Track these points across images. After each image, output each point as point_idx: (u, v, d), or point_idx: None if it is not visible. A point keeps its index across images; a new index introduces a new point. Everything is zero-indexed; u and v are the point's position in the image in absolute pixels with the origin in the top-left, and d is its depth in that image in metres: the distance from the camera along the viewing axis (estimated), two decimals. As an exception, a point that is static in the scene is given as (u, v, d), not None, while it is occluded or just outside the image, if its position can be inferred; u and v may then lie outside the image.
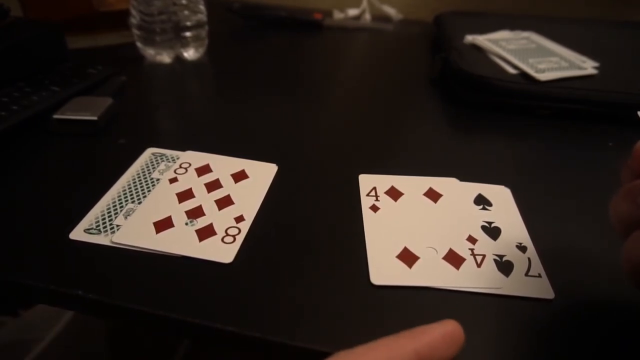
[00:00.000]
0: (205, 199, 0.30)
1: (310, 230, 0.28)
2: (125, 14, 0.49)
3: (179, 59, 0.51)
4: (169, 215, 0.28)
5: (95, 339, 0.67)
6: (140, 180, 0.31)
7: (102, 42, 0.54)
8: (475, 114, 0.43)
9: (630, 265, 0.19)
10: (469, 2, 0.67)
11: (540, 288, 0.24)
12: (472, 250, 0.27)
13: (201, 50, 0.52)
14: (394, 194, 0.31)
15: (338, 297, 0.24)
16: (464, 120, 0.42)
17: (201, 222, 0.28)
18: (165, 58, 0.50)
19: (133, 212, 0.28)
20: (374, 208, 0.30)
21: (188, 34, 0.50)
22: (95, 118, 0.36)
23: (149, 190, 0.30)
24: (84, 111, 0.37)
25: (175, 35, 0.50)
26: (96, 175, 0.32)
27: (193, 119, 0.41)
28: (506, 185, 0.32)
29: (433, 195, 0.31)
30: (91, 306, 0.24)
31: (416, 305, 0.24)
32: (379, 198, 0.31)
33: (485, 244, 0.27)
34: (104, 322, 0.68)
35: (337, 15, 0.69)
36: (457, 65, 0.44)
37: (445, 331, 0.20)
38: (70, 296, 0.23)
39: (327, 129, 0.40)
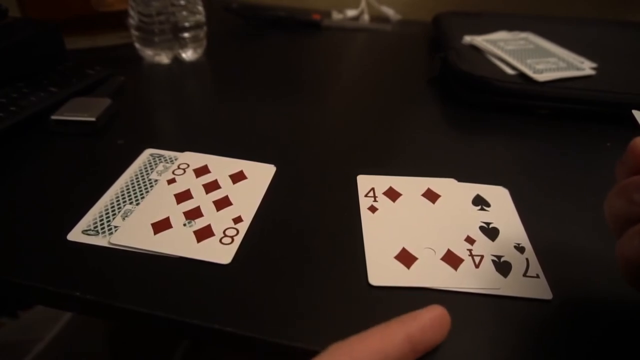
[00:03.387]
0: (203, 200, 0.30)
1: (309, 231, 0.28)
2: (124, 14, 0.50)
3: (177, 60, 0.51)
4: (167, 216, 0.28)
5: (94, 340, 0.67)
6: (138, 181, 0.31)
7: (100, 42, 0.54)
8: (473, 114, 0.43)
9: (625, 263, 0.19)
10: (467, 2, 0.67)
11: (539, 288, 0.25)
12: (470, 250, 0.27)
13: (200, 51, 0.52)
14: (392, 194, 0.31)
15: (336, 297, 0.24)
16: (462, 120, 0.42)
17: (199, 223, 0.28)
18: (164, 59, 0.50)
19: (131, 213, 0.28)
20: (372, 209, 0.30)
21: (186, 34, 0.50)
22: (93, 119, 0.36)
23: (147, 191, 0.30)
24: (83, 112, 0.37)
25: (173, 36, 0.50)
26: (94, 176, 0.32)
27: (191, 119, 0.41)
28: (504, 186, 0.32)
29: (431, 195, 0.31)
30: (89, 307, 0.24)
31: (415, 306, 0.23)
32: (377, 199, 0.31)
33: (483, 244, 0.27)
34: (104, 323, 0.68)
35: (336, 15, 0.69)
36: (455, 65, 0.44)
37: (433, 315, 0.21)
38: (68, 297, 0.23)
39: (325, 129, 0.40)
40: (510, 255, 0.27)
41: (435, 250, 0.27)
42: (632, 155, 0.20)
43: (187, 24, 0.49)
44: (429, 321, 0.20)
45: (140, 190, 0.30)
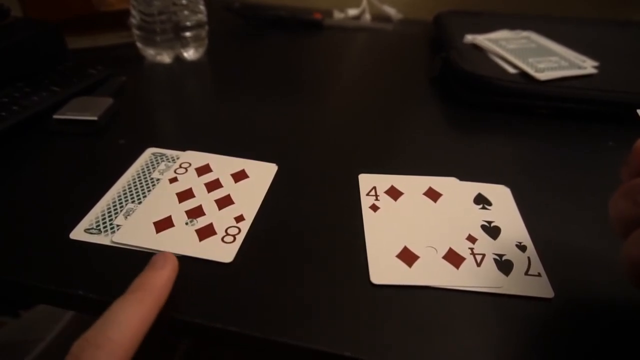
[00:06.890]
0: (205, 199, 0.30)
1: (310, 230, 0.28)
2: (125, 14, 0.50)
3: (178, 59, 0.51)
4: (169, 215, 0.28)
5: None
6: (140, 180, 0.31)
7: (102, 42, 0.54)
8: (475, 114, 0.43)
9: (630, 265, 0.19)
10: (469, 1, 0.67)
11: (540, 287, 0.25)
12: (471, 249, 0.27)
13: (201, 50, 0.52)
14: (394, 193, 0.31)
15: (338, 296, 0.24)
16: (464, 119, 0.42)
17: (201, 222, 0.28)
18: (165, 58, 0.50)
19: (133, 211, 0.28)
20: (374, 207, 0.30)
21: (188, 34, 0.50)
22: (95, 118, 0.36)
23: (149, 190, 0.30)
24: (84, 111, 0.37)
25: (175, 35, 0.50)
26: (96, 175, 0.32)
27: (193, 119, 0.41)
28: (506, 185, 0.32)
29: (433, 194, 0.31)
30: (91, 306, 0.24)
31: (416, 304, 0.24)
32: (378, 197, 0.31)
33: (485, 243, 0.27)
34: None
35: (337, 15, 0.69)
36: (457, 65, 0.44)
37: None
38: (70, 296, 0.24)
39: (327, 128, 0.40)
40: (512, 254, 0.27)
41: (436, 249, 0.27)
42: (636, 156, 0.20)
43: (188, 23, 0.49)
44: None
45: (142, 189, 0.30)
